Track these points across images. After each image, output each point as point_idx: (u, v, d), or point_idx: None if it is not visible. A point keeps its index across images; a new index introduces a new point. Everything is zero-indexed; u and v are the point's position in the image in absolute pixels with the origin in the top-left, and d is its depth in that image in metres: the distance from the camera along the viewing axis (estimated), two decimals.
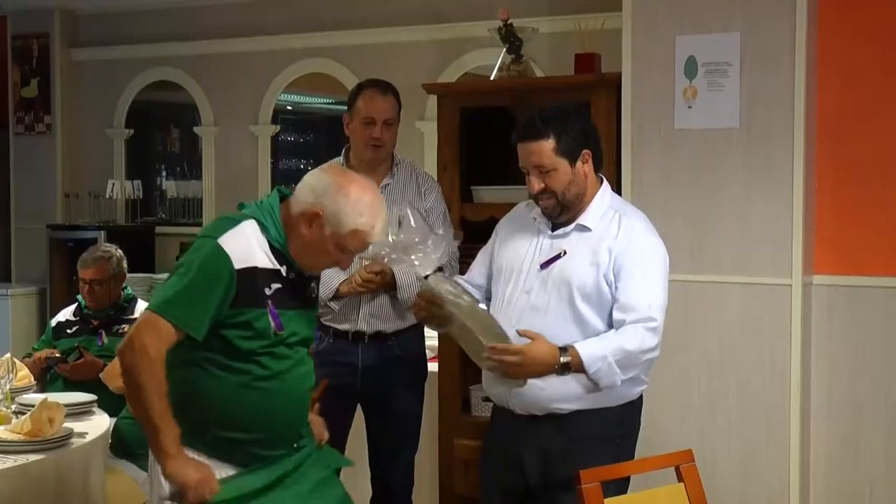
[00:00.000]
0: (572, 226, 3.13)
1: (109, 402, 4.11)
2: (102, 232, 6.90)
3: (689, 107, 4.31)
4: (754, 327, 4.24)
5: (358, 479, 4.09)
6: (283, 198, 2.82)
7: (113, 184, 7.22)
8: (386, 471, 4.08)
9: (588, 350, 2.96)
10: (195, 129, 7.28)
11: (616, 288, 3.04)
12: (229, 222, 2.75)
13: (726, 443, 4.27)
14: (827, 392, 4.33)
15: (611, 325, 3.05)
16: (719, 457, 4.25)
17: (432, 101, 5.39)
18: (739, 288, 4.25)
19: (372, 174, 3.99)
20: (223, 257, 2.66)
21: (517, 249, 3.21)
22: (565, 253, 3.10)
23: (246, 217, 2.76)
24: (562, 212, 3.12)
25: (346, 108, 4.10)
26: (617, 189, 4.47)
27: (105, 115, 7.48)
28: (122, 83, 7.42)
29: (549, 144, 3.03)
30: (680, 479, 2.89)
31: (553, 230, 3.16)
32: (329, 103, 7.17)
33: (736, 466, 4.26)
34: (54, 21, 7.46)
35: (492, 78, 4.83)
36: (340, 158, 4.07)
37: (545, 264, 3.11)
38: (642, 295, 3.04)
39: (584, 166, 3.10)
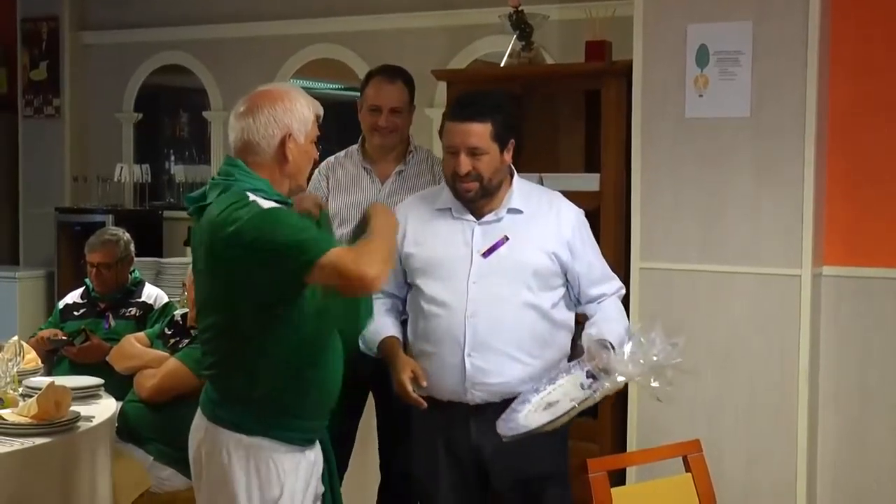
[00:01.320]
0: (504, 210, 3.11)
1: (116, 386, 4.12)
2: (110, 216, 6.89)
3: (700, 96, 4.29)
4: (763, 318, 4.22)
5: (368, 466, 4.10)
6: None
7: (121, 168, 7.21)
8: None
9: (619, 337, 3.02)
10: (204, 113, 7.26)
11: (576, 266, 3.13)
12: (240, 196, 2.62)
13: (734, 434, 4.27)
14: (835, 383, 4.32)
15: (553, 303, 3.09)
16: (727, 448, 4.24)
17: (442, 87, 5.37)
18: (748, 278, 4.24)
19: (384, 160, 4.00)
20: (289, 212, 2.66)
21: (442, 241, 3.12)
22: (507, 238, 3.08)
23: (240, 189, 2.65)
24: (481, 197, 3.08)
25: (356, 93, 4.12)
26: (626, 178, 4.48)
27: (114, 98, 7.46)
28: (131, 67, 7.40)
29: (486, 128, 3.03)
30: (687, 469, 2.89)
31: (477, 218, 3.12)
32: (338, 89, 7.15)
33: (743, 458, 4.25)
34: (64, 4, 7.44)
35: (502, 65, 4.83)
36: (357, 145, 4.08)
37: (488, 252, 3.08)
38: (605, 268, 3.23)
39: (508, 155, 3.11)
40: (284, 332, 2.63)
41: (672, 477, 2.90)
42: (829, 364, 4.32)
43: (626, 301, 4.34)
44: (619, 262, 4.45)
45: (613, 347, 2.87)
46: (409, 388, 3.00)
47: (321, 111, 2.80)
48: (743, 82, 4.21)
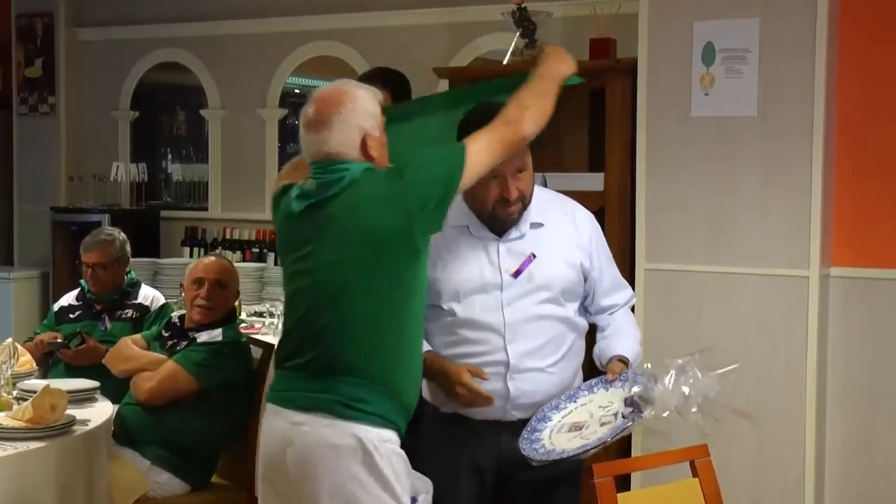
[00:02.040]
0: (527, 225, 3.01)
1: (112, 389, 4.10)
2: (106, 215, 6.87)
3: (707, 94, 4.28)
4: (770, 319, 4.22)
5: None
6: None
7: (118, 166, 7.20)
8: None
9: (633, 352, 3.02)
10: (202, 111, 7.25)
11: (593, 275, 3.07)
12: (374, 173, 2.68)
13: (740, 438, 4.25)
14: (843, 385, 4.31)
15: (575, 310, 3.06)
16: (734, 451, 4.22)
17: (443, 85, 5.35)
18: (756, 279, 4.23)
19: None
20: None
21: (467, 262, 3.00)
22: (534, 256, 2.99)
23: (368, 170, 2.69)
24: (519, 216, 2.98)
25: None
26: (631, 177, 4.47)
27: (110, 96, 7.44)
28: (127, 64, 7.39)
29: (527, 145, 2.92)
30: (695, 473, 2.87)
31: (500, 235, 3.01)
32: None
33: (751, 460, 4.24)
34: (59, 0, 7.43)
35: (504, 62, 4.81)
36: None
37: (517, 272, 2.97)
38: (617, 275, 3.16)
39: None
40: (415, 312, 2.68)
41: (679, 481, 2.89)
42: (837, 366, 4.30)
43: None
44: (625, 263, 4.44)
45: (656, 378, 2.78)
46: (476, 386, 2.90)
47: (380, 95, 2.80)
48: (750, 80, 4.20)
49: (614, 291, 3.13)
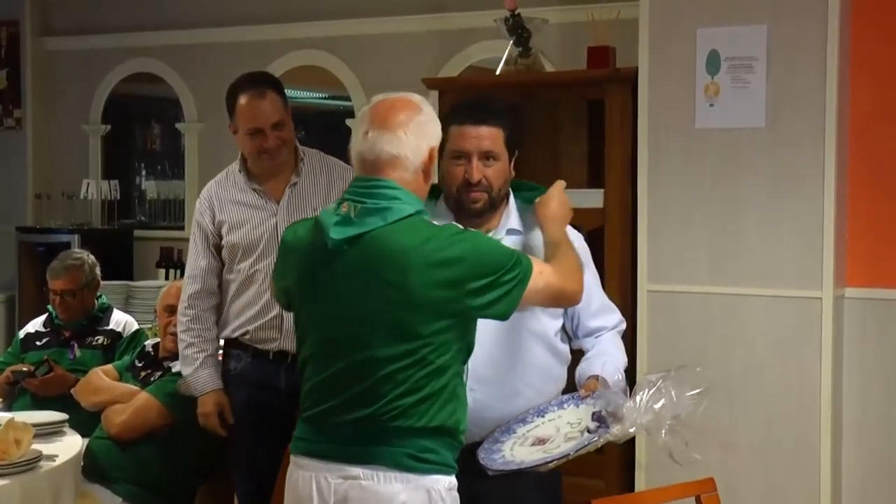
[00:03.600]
0: (503, 230, 3.04)
1: (82, 422, 4.09)
2: (76, 236, 6.86)
3: (711, 105, 4.29)
4: (781, 344, 4.21)
5: None
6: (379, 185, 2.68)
7: (88, 184, 7.19)
8: None
9: (613, 373, 2.98)
10: (178, 125, 7.25)
11: None
12: (424, 223, 2.64)
13: (749, 470, 4.24)
14: (860, 414, 4.30)
15: (555, 331, 3.06)
16: (742, 485, 4.22)
17: (433, 97, 5.35)
18: (765, 301, 4.23)
19: (274, 178, 3.88)
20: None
21: None
22: None
23: (418, 214, 2.65)
24: (487, 210, 3.01)
25: (341, 103, 4.05)
26: (632, 194, 4.47)
27: (80, 109, 7.45)
28: (98, 75, 7.39)
29: (500, 133, 2.99)
30: None
31: None
32: (322, 98, 7.14)
33: (760, 495, 4.23)
34: (25, 7, 7.43)
35: (497, 72, 4.82)
36: (236, 167, 3.97)
37: None
38: (605, 299, 3.17)
39: (511, 167, 3.08)
40: (458, 347, 2.67)
41: None
42: (854, 393, 4.30)
43: (632, 326, 4.35)
44: (626, 285, 4.45)
45: (627, 394, 2.80)
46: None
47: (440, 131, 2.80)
48: (757, 90, 4.21)
49: (602, 314, 3.14)
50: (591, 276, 3.12)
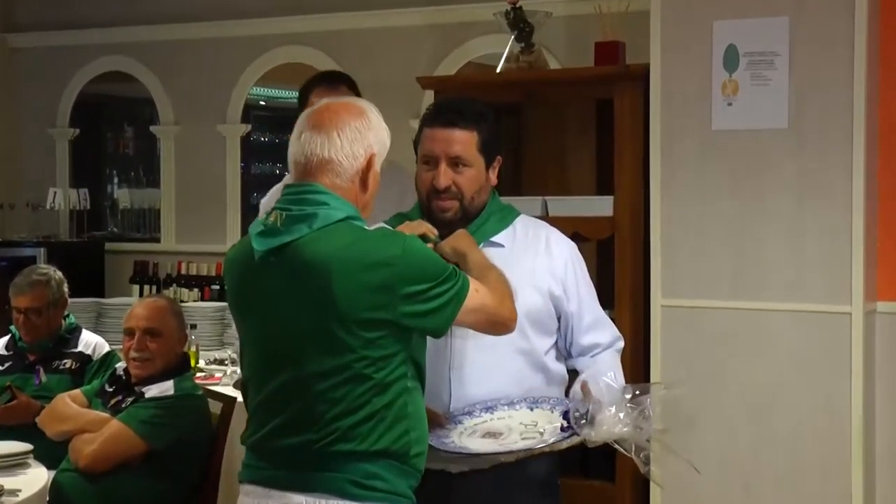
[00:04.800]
0: (481, 244, 3.02)
1: (48, 452, 4.09)
2: (42, 249, 6.89)
3: (729, 104, 4.30)
4: (807, 363, 4.22)
5: None
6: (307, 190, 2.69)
7: (55, 192, 7.22)
8: None
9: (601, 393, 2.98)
10: (152, 128, 7.29)
11: (569, 307, 3.09)
12: (352, 227, 2.64)
13: (775, 499, 4.25)
14: (893, 437, 4.31)
15: (546, 349, 3.07)
16: None
17: (429, 96, 5.38)
18: (790, 317, 4.24)
19: None
20: None
21: None
22: None
23: (347, 220, 2.65)
24: (459, 220, 3.02)
25: None
26: (644, 201, 4.48)
27: (46, 111, 7.48)
28: (66, 74, 7.42)
29: (471, 136, 2.99)
30: None
31: None
32: None
33: None
34: None
35: (498, 70, 4.83)
36: None
37: None
38: (600, 312, 3.17)
39: (493, 174, 3.08)
40: (400, 360, 2.65)
41: None
42: (887, 417, 4.31)
43: (645, 345, 4.36)
44: (638, 300, 4.46)
45: (599, 403, 2.84)
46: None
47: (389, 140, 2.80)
48: (779, 88, 4.22)
49: (596, 329, 3.14)
50: (585, 289, 3.14)
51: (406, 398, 2.66)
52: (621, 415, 2.75)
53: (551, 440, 2.80)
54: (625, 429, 2.74)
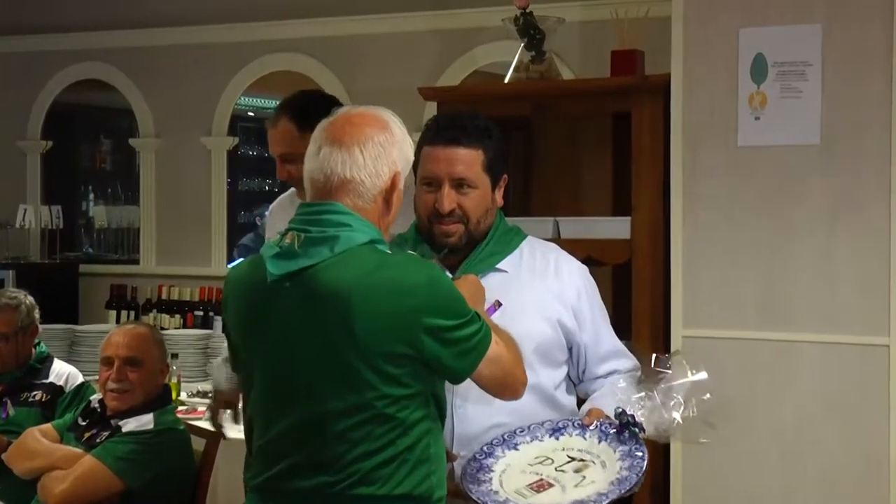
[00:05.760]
0: (485, 266, 3.04)
1: (15, 491, 4.09)
2: (11, 271, 6.86)
3: (757, 118, 4.31)
4: (841, 399, 4.21)
5: None
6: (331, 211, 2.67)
7: (25, 210, 7.22)
8: None
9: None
10: (131, 140, 7.28)
11: (582, 337, 3.09)
12: (376, 251, 2.63)
13: None
14: None
15: (556, 384, 3.07)
16: None
17: (430, 108, 5.38)
18: (822, 349, 4.23)
19: None
20: None
21: None
22: (500, 304, 3.00)
23: (371, 244, 2.63)
24: (464, 246, 3.02)
25: None
26: (665, 222, 4.47)
27: (16, 122, 7.47)
28: (38, 82, 7.42)
29: (476, 155, 2.98)
30: None
31: (454, 274, 2.99)
32: None
33: None
34: None
35: (506, 80, 4.84)
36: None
37: None
38: (617, 342, 3.18)
39: (499, 194, 3.07)
40: (422, 399, 2.64)
41: None
42: None
43: None
44: (657, 329, 4.45)
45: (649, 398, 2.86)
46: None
47: (413, 154, 2.78)
48: (811, 101, 4.23)
49: (614, 359, 3.13)
50: (600, 316, 3.13)
51: (430, 439, 2.66)
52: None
53: (635, 479, 2.78)
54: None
